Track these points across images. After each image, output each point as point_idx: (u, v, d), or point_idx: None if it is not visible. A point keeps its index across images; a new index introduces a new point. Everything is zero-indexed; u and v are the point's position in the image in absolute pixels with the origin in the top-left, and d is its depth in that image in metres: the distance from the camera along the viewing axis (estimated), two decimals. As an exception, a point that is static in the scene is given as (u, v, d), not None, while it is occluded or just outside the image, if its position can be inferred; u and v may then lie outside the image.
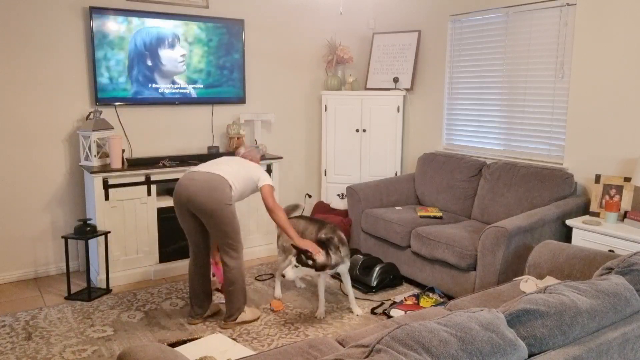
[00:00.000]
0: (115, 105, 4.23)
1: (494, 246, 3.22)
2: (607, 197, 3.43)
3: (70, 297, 3.71)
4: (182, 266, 4.21)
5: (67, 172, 4.16)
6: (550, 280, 2.64)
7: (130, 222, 3.99)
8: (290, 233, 3.22)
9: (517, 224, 3.23)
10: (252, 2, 4.80)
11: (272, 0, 4.90)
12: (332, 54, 5.13)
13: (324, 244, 3.25)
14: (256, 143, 4.81)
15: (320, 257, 3.16)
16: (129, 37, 4.16)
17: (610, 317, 1.64)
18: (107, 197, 3.87)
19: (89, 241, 3.91)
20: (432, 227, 3.78)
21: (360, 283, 3.88)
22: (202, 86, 4.55)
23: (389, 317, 3.36)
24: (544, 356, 1.46)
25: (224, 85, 4.65)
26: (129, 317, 3.41)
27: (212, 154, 4.44)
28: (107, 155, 4.02)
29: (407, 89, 4.95)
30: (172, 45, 4.34)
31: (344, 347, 1.91)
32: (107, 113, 4.20)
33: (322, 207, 5.01)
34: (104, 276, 3.86)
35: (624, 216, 3.34)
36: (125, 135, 4.31)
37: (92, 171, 3.81)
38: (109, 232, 3.86)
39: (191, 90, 4.51)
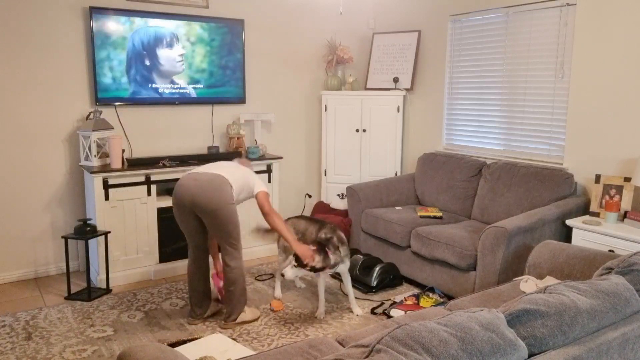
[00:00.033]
0: (115, 105, 4.23)
1: (494, 246, 3.23)
2: (607, 197, 3.43)
3: (70, 297, 3.71)
4: (182, 266, 4.21)
5: (67, 172, 4.16)
6: (550, 280, 2.64)
7: (130, 222, 3.99)
8: (288, 237, 3.23)
9: (517, 224, 3.23)
10: (252, 2, 4.80)
11: (272, 0, 4.91)
12: (332, 54, 5.13)
13: (323, 244, 3.25)
14: (256, 143, 4.81)
15: (313, 262, 3.17)
16: (129, 37, 4.16)
17: (610, 317, 1.64)
18: (107, 197, 3.87)
19: (89, 241, 3.91)
20: (432, 227, 3.78)
21: (360, 283, 3.88)
22: (202, 86, 4.55)
23: (389, 317, 3.36)
24: (544, 356, 1.46)
25: (224, 85, 4.65)
26: (129, 317, 3.41)
27: (212, 154, 4.44)
28: (107, 155, 4.02)
29: (407, 89, 4.95)
30: (170, 45, 4.34)
31: (344, 347, 1.91)
32: (107, 113, 4.20)
33: (322, 207, 5.01)
34: (104, 276, 3.86)
35: (624, 216, 3.34)
36: (125, 135, 4.31)
37: (92, 171, 3.81)
38: (109, 232, 3.86)
39: (191, 90, 4.51)
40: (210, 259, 3.62)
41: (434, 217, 4.07)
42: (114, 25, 4.09)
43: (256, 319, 3.37)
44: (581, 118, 3.70)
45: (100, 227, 3.85)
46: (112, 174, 3.87)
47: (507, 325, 1.45)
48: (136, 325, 3.31)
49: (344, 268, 3.41)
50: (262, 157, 4.59)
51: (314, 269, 3.20)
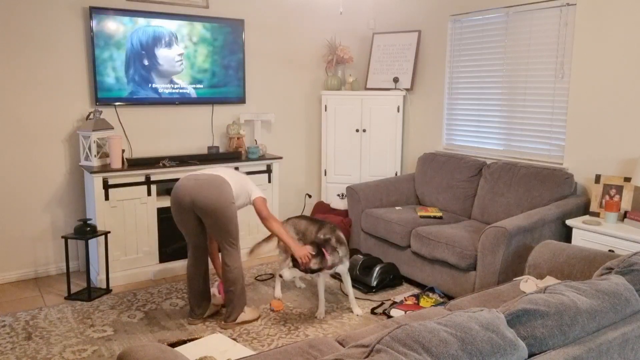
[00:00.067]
0: (115, 105, 4.23)
1: (494, 246, 3.23)
2: (607, 197, 3.43)
3: (70, 297, 3.71)
4: (182, 266, 4.21)
5: (67, 172, 4.16)
6: (550, 280, 2.64)
7: (130, 222, 3.99)
8: (289, 242, 3.25)
9: (517, 224, 3.23)
10: (252, 2, 4.80)
11: (272, 0, 4.91)
12: (332, 54, 5.13)
13: (320, 245, 3.26)
14: (256, 143, 4.81)
15: (310, 264, 3.19)
16: (128, 37, 4.16)
17: (610, 317, 1.64)
18: (107, 197, 3.87)
19: (89, 241, 3.91)
20: (432, 227, 3.78)
21: (360, 283, 3.88)
22: (202, 86, 4.55)
23: (389, 317, 3.36)
24: (544, 356, 1.46)
25: (225, 85, 4.65)
26: (129, 317, 3.41)
27: (212, 154, 4.44)
28: (107, 155, 4.02)
29: (407, 89, 4.95)
30: (170, 45, 4.33)
31: (344, 347, 1.91)
32: (107, 113, 4.20)
33: (322, 207, 5.01)
34: (104, 276, 3.86)
35: (624, 216, 3.34)
36: (125, 135, 4.31)
37: (92, 171, 3.81)
38: (109, 232, 3.86)
39: (191, 90, 4.51)
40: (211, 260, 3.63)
41: (434, 217, 4.07)
42: (113, 25, 4.09)
43: (256, 319, 3.37)
44: (581, 118, 3.70)
45: (100, 227, 3.85)
46: (112, 174, 3.87)
47: (507, 325, 1.45)
48: (136, 325, 3.31)
49: (343, 268, 3.41)
50: (262, 157, 4.59)
51: (311, 271, 3.22)
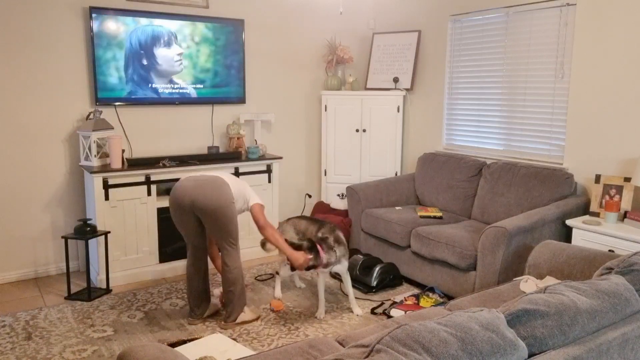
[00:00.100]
0: (115, 105, 4.23)
1: (494, 246, 3.23)
2: (607, 197, 3.43)
3: (70, 297, 3.71)
4: (182, 266, 4.21)
5: (67, 172, 4.16)
6: (550, 280, 2.64)
7: (130, 222, 3.99)
8: (285, 249, 3.26)
9: (517, 224, 3.23)
10: (252, 2, 4.80)
11: (272, 0, 4.91)
12: (332, 54, 5.13)
13: (318, 242, 3.28)
14: (256, 143, 4.81)
15: (305, 264, 3.26)
16: (127, 37, 4.16)
17: (610, 317, 1.64)
18: (107, 197, 3.87)
19: (89, 241, 3.91)
20: (432, 227, 3.78)
21: (360, 283, 3.88)
22: (202, 86, 4.55)
23: (389, 317, 3.36)
24: (544, 356, 1.46)
25: (225, 85, 4.65)
26: (129, 317, 3.41)
27: (212, 154, 4.44)
28: (107, 155, 4.02)
29: (407, 89, 4.95)
30: (169, 45, 4.33)
31: (344, 347, 1.91)
32: (107, 113, 4.20)
33: (322, 207, 5.01)
34: (104, 276, 3.86)
35: (624, 216, 3.34)
36: (125, 135, 4.31)
37: (92, 171, 3.81)
38: (109, 232, 3.86)
39: (191, 90, 4.51)
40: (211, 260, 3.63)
41: (434, 217, 4.07)
42: (113, 25, 4.09)
43: (256, 319, 3.37)
44: (581, 118, 3.70)
45: (100, 227, 3.85)
46: (112, 174, 3.87)
47: (507, 325, 1.45)
48: (136, 325, 3.31)
49: (341, 268, 3.42)
50: (262, 157, 4.59)
51: (306, 267, 3.26)
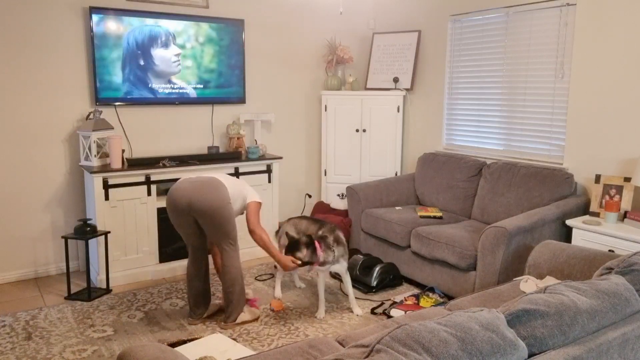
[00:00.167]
0: (115, 105, 4.23)
1: (494, 246, 3.23)
2: (607, 197, 3.43)
3: (70, 297, 3.71)
4: (182, 266, 4.21)
5: (67, 172, 4.16)
6: (550, 280, 2.64)
7: (130, 222, 3.99)
8: (273, 253, 3.28)
9: (517, 224, 3.23)
10: (252, 2, 4.80)
11: (272, 0, 4.91)
12: (332, 54, 5.13)
13: (316, 239, 3.30)
14: (256, 143, 4.81)
15: (292, 268, 3.31)
16: (127, 37, 4.16)
17: (610, 317, 1.64)
18: (107, 197, 3.87)
19: (89, 241, 3.91)
20: (432, 227, 3.78)
21: (360, 283, 3.88)
22: (202, 86, 4.55)
23: (389, 317, 3.36)
24: (544, 356, 1.46)
25: (225, 85, 4.65)
26: (129, 317, 3.41)
27: (212, 154, 4.44)
28: (107, 155, 4.02)
29: (407, 89, 4.95)
30: (167, 45, 4.32)
31: (344, 347, 1.91)
32: (107, 113, 4.20)
33: (322, 207, 5.01)
34: (104, 276, 3.86)
35: (624, 216, 3.34)
36: (125, 135, 4.31)
37: (92, 171, 3.81)
38: (109, 232, 3.86)
39: (191, 90, 4.51)
40: (211, 259, 3.63)
41: (434, 217, 4.07)
42: (113, 25, 4.09)
43: (256, 319, 3.37)
44: (581, 118, 3.70)
45: (100, 227, 3.85)
46: (112, 174, 3.87)
47: (507, 325, 1.45)
48: (136, 325, 3.31)
49: (340, 268, 3.42)
50: (262, 157, 4.59)
51: (302, 263, 3.27)
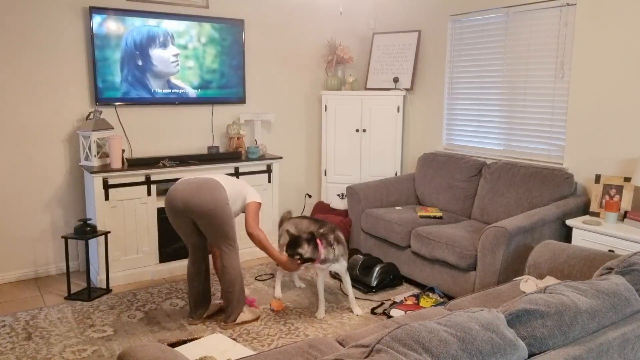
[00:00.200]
0: (115, 105, 4.23)
1: (494, 246, 3.23)
2: (607, 197, 3.43)
3: (70, 297, 3.71)
4: (182, 266, 4.21)
5: (67, 172, 4.16)
6: (550, 280, 2.64)
7: (130, 222, 3.99)
8: (272, 253, 3.29)
9: (517, 224, 3.23)
10: (252, 2, 4.80)
11: (272, 0, 4.91)
12: (332, 54, 5.13)
13: (318, 236, 3.30)
14: (256, 143, 4.81)
15: (294, 268, 3.33)
16: (127, 37, 4.16)
17: (610, 317, 1.64)
18: (107, 197, 3.87)
19: (89, 241, 3.91)
20: (432, 227, 3.78)
21: (360, 283, 3.88)
22: (203, 87, 4.54)
23: (389, 317, 3.36)
24: (544, 356, 1.46)
25: (231, 86, 4.65)
26: (129, 317, 3.41)
27: (212, 154, 4.44)
28: (107, 155, 4.02)
29: (407, 89, 4.95)
30: (164, 45, 4.32)
31: (344, 347, 1.91)
32: (107, 113, 4.20)
33: (322, 207, 5.01)
34: (104, 276, 3.86)
35: (624, 216, 3.34)
36: (125, 135, 4.31)
37: (92, 171, 3.81)
38: (109, 232, 3.86)
39: (190, 91, 4.51)
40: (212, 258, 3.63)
41: (434, 217, 4.07)
42: (113, 25, 4.09)
43: (256, 319, 3.37)
44: (581, 118, 3.70)
45: (100, 227, 3.85)
46: (112, 174, 3.87)
47: (507, 325, 1.45)
48: (136, 325, 3.31)
49: (340, 268, 3.42)
50: (262, 157, 4.59)
51: (302, 259, 3.25)
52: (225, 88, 4.67)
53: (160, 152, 4.49)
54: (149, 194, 4.04)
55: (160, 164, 4.11)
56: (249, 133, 4.91)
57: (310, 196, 5.40)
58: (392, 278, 3.92)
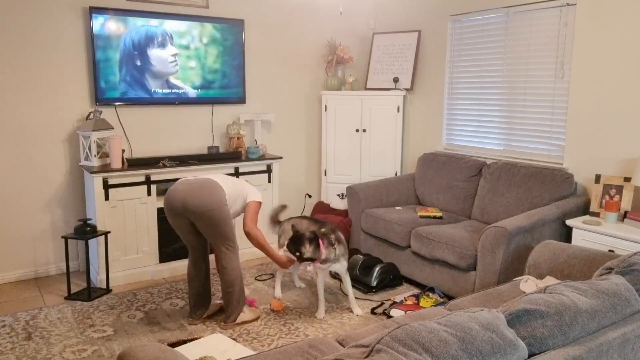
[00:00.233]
0: (115, 105, 4.23)
1: (494, 246, 3.23)
2: (607, 197, 3.43)
3: (70, 297, 3.71)
4: (182, 266, 4.21)
5: (67, 172, 4.16)
6: (550, 280, 2.64)
7: (130, 222, 3.99)
8: (270, 251, 3.32)
9: (517, 224, 3.23)
10: (252, 2, 4.80)
11: (272, 0, 4.91)
12: (332, 54, 5.13)
13: (320, 236, 3.30)
14: (256, 143, 4.81)
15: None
16: (126, 37, 4.16)
17: (610, 317, 1.64)
18: (107, 197, 3.87)
19: (89, 241, 3.91)
20: (432, 227, 3.78)
21: (360, 283, 3.88)
22: (204, 87, 4.54)
23: (389, 317, 3.36)
24: (544, 356, 1.46)
25: (225, 85, 4.65)
26: (129, 317, 3.41)
27: (212, 154, 4.44)
28: (107, 155, 4.03)
29: (407, 89, 4.95)
30: (162, 45, 4.32)
31: (344, 347, 1.91)
32: (107, 113, 4.20)
33: (322, 207, 5.01)
34: (104, 276, 3.86)
35: (624, 216, 3.34)
36: (125, 135, 4.31)
37: (92, 171, 3.81)
38: (109, 232, 3.86)
39: (190, 91, 4.50)
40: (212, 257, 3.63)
41: (434, 217, 4.07)
42: (113, 25, 4.09)
43: (256, 319, 3.37)
44: (581, 118, 3.70)
45: (100, 227, 3.85)
46: (112, 174, 3.87)
47: (507, 325, 1.45)
48: (136, 325, 3.31)
49: (340, 268, 3.42)
50: (262, 157, 4.59)
51: (303, 258, 3.25)
52: (225, 88, 4.67)
53: (160, 152, 4.49)
54: (149, 194, 4.04)
55: (160, 164, 4.11)
56: (249, 133, 4.91)
57: (310, 196, 5.40)
58: (392, 278, 3.92)
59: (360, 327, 3.23)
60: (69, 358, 2.89)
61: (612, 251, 2.95)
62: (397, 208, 4.35)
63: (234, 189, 3.26)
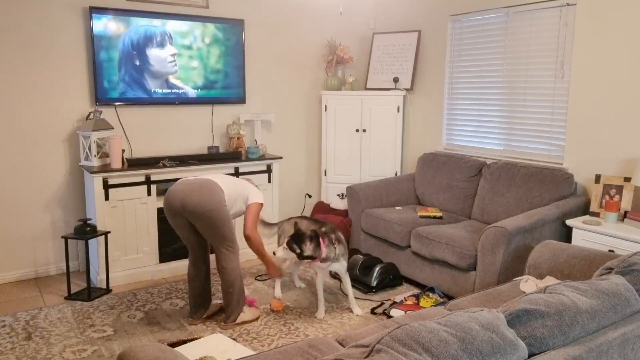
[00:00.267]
0: (115, 105, 4.23)
1: (494, 246, 3.23)
2: (607, 197, 3.43)
3: (70, 297, 3.71)
4: (182, 266, 4.21)
5: (67, 172, 4.16)
6: (550, 280, 2.64)
7: (130, 222, 3.99)
8: (265, 257, 3.36)
9: (517, 224, 3.23)
10: (252, 2, 4.80)
11: (272, 0, 4.91)
12: (332, 54, 5.13)
13: (321, 235, 3.30)
14: (256, 143, 4.81)
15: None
16: (126, 37, 4.16)
17: (610, 317, 1.64)
18: (107, 197, 3.87)
19: (89, 241, 3.91)
20: (432, 227, 3.78)
21: (360, 283, 3.88)
22: (205, 87, 4.54)
23: (389, 317, 3.36)
24: (544, 356, 1.46)
25: (225, 85, 4.65)
26: (129, 317, 3.41)
27: (212, 154, 4.44)
28: (107, 155, 4.03)
29: (407, 89, 4.95)
30: (161, 45, 4.31)
31: (344, 347, 1.91)
32: (107, 113, 4.20)
33: (322, 207, 5.01)
34: (104, 276, 3.86)
35: (624, 216, 3.34)
36: (125, 135, 4.31)
37: (92, 171, 3.81)
38: (109, 232, 3.86)
39: (190, 90, 4.50)
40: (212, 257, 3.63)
41: (434, 217, 4.07)
42: (113, 25, 4.09)
43: (256, 319, 3.37)
44: (581, 118, 3.70)
45: (100, 227, 3.85)
46: (112, 174, 3.87)
47: (507, 325, 1.45)
48: (136, 325, 3.31)
49: (339, 267, 3.42)
50: (262, 157, 4.59)
51: (303, 256, 3.24)
52: (225, 88, 4.67)
53: (160, 152, 4.49)
54: (149, 194, 4.04)
55: (160, 164, 4.11)
56: (249, 133, 4.91)
57: (310, 196, 5.40)
58: (392, 278, 3.92)
59: (360, 327, 3.23)
60: (69, 358, 2.89)
61: (612, 251, 2.95)
62: (397, 208, 4.35)
63: (233, 189, 3.26)
